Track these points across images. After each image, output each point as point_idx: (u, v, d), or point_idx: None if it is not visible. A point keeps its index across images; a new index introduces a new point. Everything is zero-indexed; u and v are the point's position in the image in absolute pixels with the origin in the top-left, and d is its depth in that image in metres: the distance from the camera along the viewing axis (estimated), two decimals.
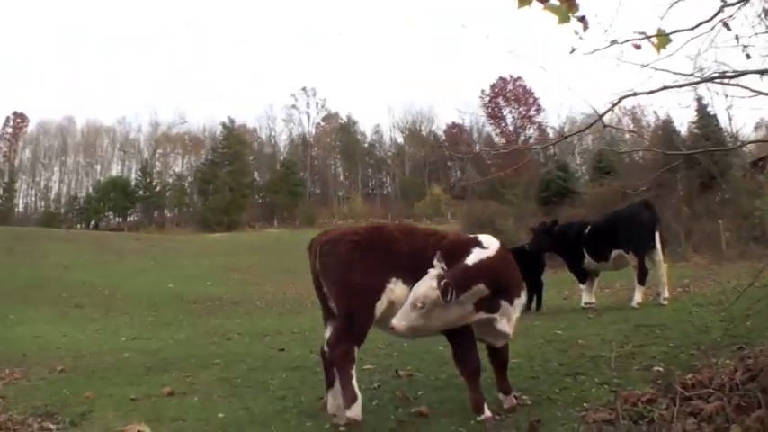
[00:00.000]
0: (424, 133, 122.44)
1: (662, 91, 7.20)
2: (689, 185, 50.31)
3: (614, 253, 17.14)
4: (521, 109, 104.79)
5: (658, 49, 6.29)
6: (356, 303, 8.15)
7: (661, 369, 8.33)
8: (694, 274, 22.80)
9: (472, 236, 8.69)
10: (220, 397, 10.12)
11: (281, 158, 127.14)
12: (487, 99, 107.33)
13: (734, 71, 7.34)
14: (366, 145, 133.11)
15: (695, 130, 62.25)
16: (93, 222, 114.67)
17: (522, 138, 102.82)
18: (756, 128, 76.59)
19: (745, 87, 7.57)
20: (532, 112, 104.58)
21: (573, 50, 6.70)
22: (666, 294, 16.21)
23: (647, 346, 10.36)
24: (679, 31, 6.79)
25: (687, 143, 60.78)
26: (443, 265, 7.66)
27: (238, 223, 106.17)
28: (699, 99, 59.52)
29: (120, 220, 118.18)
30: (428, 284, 7.47)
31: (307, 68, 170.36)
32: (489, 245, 8.21)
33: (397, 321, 7.54)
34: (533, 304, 18.28)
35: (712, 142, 55.72)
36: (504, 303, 8.07)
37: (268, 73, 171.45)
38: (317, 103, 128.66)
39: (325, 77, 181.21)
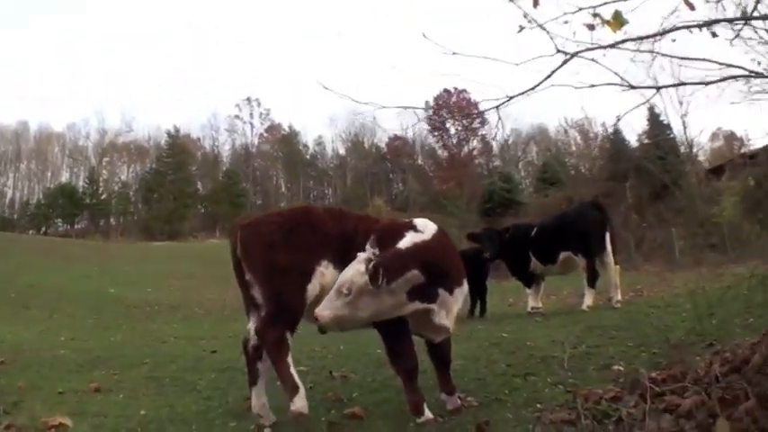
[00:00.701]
0: (366, 145, 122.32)
1: (624, 43, 6.68)
2: (639, 194, 50.46)
3: (562, 255, 16.55)
4: (464, 121, 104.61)
5: (614, 29, 6.22)
6: (283, 286, 7.33)
7: (621, 368, 7.55)
8: (647, 281, 22.39)
9: (407, 220, 7.96)
10: (145, 395, 9.60)
11: (224, 168, 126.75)
12: (431, 111, 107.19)
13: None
14: (308, 156, 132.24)
15: (646, 140, 62.56)
16: (42, 229, 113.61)
17: (466, 150, 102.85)
18: (713, 137, 77.51)
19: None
20: (476, 125, 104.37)
21: (521, 29, 6.69)
22: (619, 297, 15.56)
23: (604, 347, 9.70)
24: None
25: (637, 153, 61.26)
26: (376, 250, 6.92)
27: (180, 233, 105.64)
28: (651, 108, 59.99)
29: (69, 227, 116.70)
30: (356, 269, 6.70)
31: (250, 79, 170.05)
32: (425, 228, 7.45)
33: (321, 310, 6.72)
34: (477, 310, 17.79)
35: (665, 151, 56.07)
36: (442, 292, 7.24)
37: (212, 82, 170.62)
38: (261, 114, 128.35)
39: (268, 87, 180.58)
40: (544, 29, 6.58)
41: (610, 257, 15.77)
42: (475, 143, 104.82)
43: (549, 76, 6.98)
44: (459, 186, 58.54)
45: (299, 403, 7.11)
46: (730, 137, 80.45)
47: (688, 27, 6.63)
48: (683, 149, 61.25)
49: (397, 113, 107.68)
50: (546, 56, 6.80)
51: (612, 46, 6.71)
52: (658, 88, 7.36)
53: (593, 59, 6.76)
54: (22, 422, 7.68)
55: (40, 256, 56.70)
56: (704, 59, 6.98)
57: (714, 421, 4.73)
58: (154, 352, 14.52)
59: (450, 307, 7.41)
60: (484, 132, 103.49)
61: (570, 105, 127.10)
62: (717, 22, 6.72)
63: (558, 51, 6.77)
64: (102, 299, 34.01)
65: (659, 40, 6.99)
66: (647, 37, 6.94)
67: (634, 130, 69.82)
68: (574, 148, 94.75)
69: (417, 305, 7.01)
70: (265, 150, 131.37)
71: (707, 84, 7.02)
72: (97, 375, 11.22)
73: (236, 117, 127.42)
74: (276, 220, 7.74)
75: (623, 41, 6.76)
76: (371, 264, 6.53)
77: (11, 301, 30.44)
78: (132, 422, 7.85)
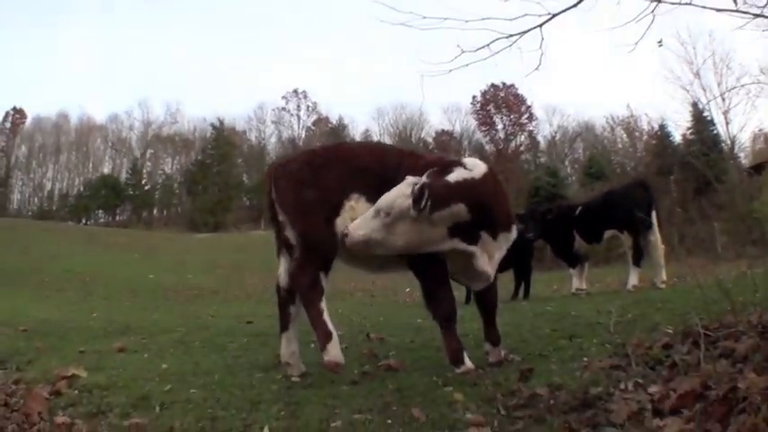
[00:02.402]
0: (413, 139, 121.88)
1: None
2: (683, 190, 50.07)
3: (608, 233, 16.14)
4: (512, 116, 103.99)
5: None
6: (313, 222, 7.09)
7: (670, 331, 7.19)
8: (690, 272, 21.97)
9: (456, 158, 7.50)
10: (172, 355, 9.36)
11: (270, 161, 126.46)
12: (478, 106, 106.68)
13: None
14: None
15: (691, 136, 62.23)
16: (83, 220, 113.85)
17: (513, 145, 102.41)
18: (755, 139, 77.11)
19: None
20: (524, 120, 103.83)
21: None
22: (664, 277, 15.21)
23: (650, 315, 9.24)
24: None
25: (682, 148, 60.98)
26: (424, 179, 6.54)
27: (224, 224, 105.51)
28: (694, 104, 59.65)
29: (110, 218, 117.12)
30: (399, 190, 6.41)
31: (298, 70, 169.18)
32: (474, 167, 6.97)
33: (353, 228, 6.54)
34: (521, 292, 17.23)
35: (708, 147, 55.74)
36: (485, 236, 6.93)
37: (259, 74, 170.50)
38: (308, 106, 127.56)
39: (317, 79, 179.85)
40: None
41: (656, 236, 15.42)
42: (522, 138, 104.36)
43: None
44: (505, 181, 57.99)
45: (333, 352, 6.83)
46: None
47: None
48: (724, 146, 60.98)
49: (444, 110, 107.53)
50: None
51: None
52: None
53: None
54: (33, 375, 7.58)
55: (78, 244, 56.85)
56: None
57: None
58: (187, 323, 14.32)
59: (492, 252, 7.08)
60: (531, 128, 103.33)
61: (617, 102, 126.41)
62: None
63: None
64: (141, 284, 33.87)
65: None
66: None
67: (678, 127, 69.37)
68: (620, 146, 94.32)
69: (457, 243, 6.72)
70: (312, 143, 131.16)
71: None
72: (124, 340, 10.94)
73: (283, 109, 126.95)
74: (307, 158, 7.56)
75: None
76: (418, 186, 6.29)
77: (43, 285, 30.39)
78: (151, 374, 7.70)
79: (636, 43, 7.63)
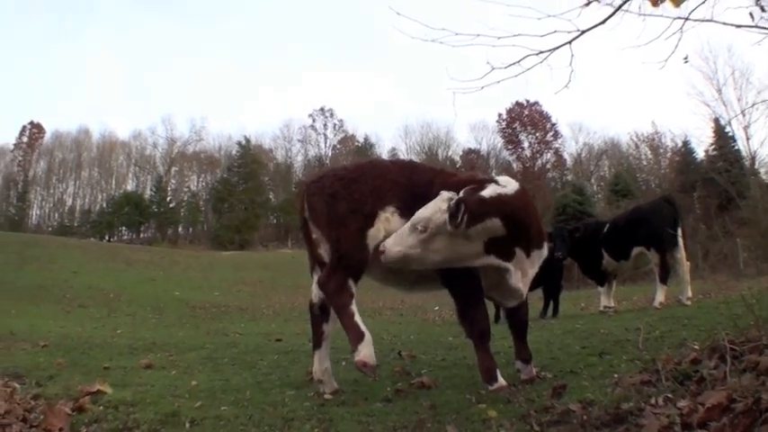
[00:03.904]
0: (440, 158, 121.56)
1: None
2: (706, 206, 49.96)
3: (635, 250, 16.13)
4: (537, 134, 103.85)
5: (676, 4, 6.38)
6: (344, 232, 7.23)
7: (697, 346, 7.30)
8: (714, 288, 21.97)
9: (488, 176, 7.75)
10: (201, 372, 9.52)
11: (297, 179, 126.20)
12: (504, 124, 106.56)
13: None
14: None
15: (713, 152, 62.14)
16: (106, 236, 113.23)
17: (539, 163, 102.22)
18: None
19: None
20: (549, 138, 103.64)
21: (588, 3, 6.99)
22: (689, 294, 15.24)
23: (677, 332, 9.44)
24: None
25: (705, 165, 60.87)
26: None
27: (251, 242, 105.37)
28: (716, 120, 59.56)
29: (134, 235, 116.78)
30: (436, 205, 6.52)
31: (325, 88, 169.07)
32: (508, 183, 7.14)
33: (390, 244, 6.62)
34: (549, 311, 17.31)
35: (730, 162, 55.60)
36: (519, 252, 7.06)
37: (285, 92, 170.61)
38: (335, 125, 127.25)
39: (343, 97, 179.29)
40: None
41: (682, 253, 15.46)
42: (548, 156, 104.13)
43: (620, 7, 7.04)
44: (532, 198, 57.97)
45: (365, 351, 6.81)
46: None
47: None
48: (746, 162, 60.84)
49: (470, 128, 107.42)
50: None
51: None
52: None
53: None
54: (54, 391, 7.54)
55: (101, 260, 56.45)
56: None
57: None
58: (215, 340, 14.48)
59: (526, 269, 7.22)
60: (557, 146, 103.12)
61: (641, 118, 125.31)
62: None
63: None
64: (166, 301, 33.88)
65: None
66: None
67: (701, 143, 69.26)
68: (644, 163, 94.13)
69: (492, 260, 6.84)
70: (339, 161, 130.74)
71: None
72: (151, 356, 11.04)
73: (311, 127, 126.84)
74: (339, 173, 7.67)
75: None
76: (454, 201, 6.39)
77: (66, 301, 30.42)
78: (180, 390, 7.77)
79: (666, 60, 7.76)
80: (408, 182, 7.45)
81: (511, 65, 8.42)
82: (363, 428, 5.80)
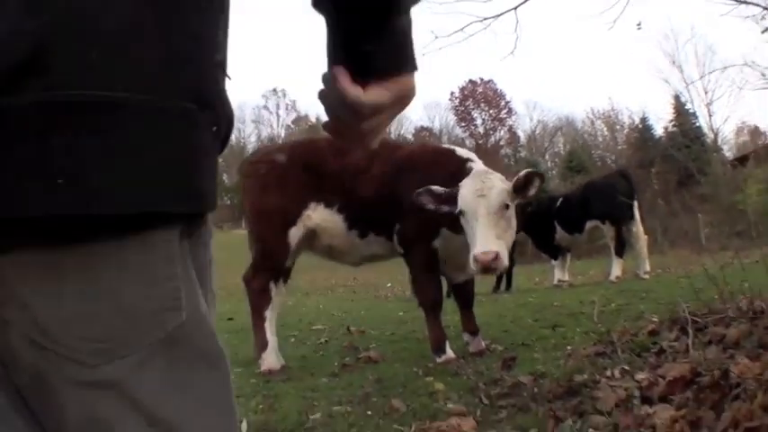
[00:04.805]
0: (393, 135, 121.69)
1: None
2: (665, 182, 50.19)
3: (589, 224, 16.13)
4: (491, 111, 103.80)
5: None
6: (270, 231, 7.39)
7: (656, 319, 7.06)
8: (675, 263, 21.93)
9: (445, 148, 8.03)
10: None
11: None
12: (457, 101, 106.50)
13: None
14: None
15: (673, 128, 62.59)
16: None
17: (492, 141, 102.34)
18: (738, 132, 77.56)
19: None
20: (503, 115, 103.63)
21: None
22: (648, 268, 15.19)
23: (634, 305, 9.24)
24: None
25: (663, 141, 61.30)
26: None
27: None
28: (676, 96, 59.92)
29: None
30: (499, 186, 6.22)
31: (277, 68, 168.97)
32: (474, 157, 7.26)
33: (489, 247, 5.98)
34: (503, 284, 16.95)
35: (690, 139, 55.98)
36: None
37: (239, 73, 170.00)
38: (287, 105, 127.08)
39: (296, 77, 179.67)
40: None
41: (638, 226, 15.41)
42: (502, 133, 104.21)
43: None
44: None
45: (268, 359, 7.05)
46: (755, 131, 79.94)
47: None
48: (708, 139, 61.28)
49: (423, 106, 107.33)
50: None
51: None
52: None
53: None
54: None
55: None
56: None
57: (764, 351, 4.34)
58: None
59: None
60: (511, 123, 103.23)
61: (597, 96, 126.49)
62: None
63: None
64: None
65: None
66: None
67: (660, 120, 69.77)
68: (600, 140, 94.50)
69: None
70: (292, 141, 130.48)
71: None
72: None
73: (264, 108, 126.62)
74: (276, 160, 7.58)
75: None
76: (529, 172, 6.43)
77: None
78: None
79: (614, 21, 7.56)
80: (340, 166, 7.31)
81: (455, 32, 8.19)
82: (308, 404, 5.60)
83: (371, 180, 7.02)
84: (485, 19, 7.92)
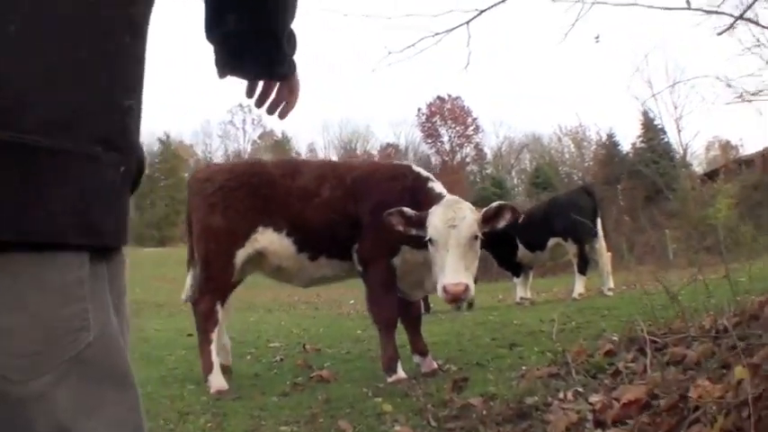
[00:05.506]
0: (359, 152, 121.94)
1: None
2: (632, 198, 50.45)
3: (552, 241, 15.89)
4: (458, 128, 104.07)
5: None
6: (215, 252, 7.36)
7: (615, 338, 6.93)
8: (640, 279, 21.87)
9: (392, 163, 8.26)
10: None
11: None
12: (424, 118, 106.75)
13: None
14: None
15: (641, 144, 63.03)
16: None
17: (459, 158, 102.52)
18: (709, 147, 78.22)
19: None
20: (470, 132, 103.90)
21: None
22: (611, 285, 15.04)
23: (595, 323, 9.19)
24: None
25: (631, 157, 61.70)
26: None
27: (172, 239, 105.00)
28: (645, 112, 60.29)
29: None
30: (468, 218, 6.26)
31: (243, 84, 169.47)
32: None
33: (458, 279, 6.03)
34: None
35: (659, 155, 56.31)
36: None
37: (205, 89, 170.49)
38: (253, 120, 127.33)
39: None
40: None
41: (602, 243, 15.19)
42: (468, 150, 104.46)
43: None
44: (450, 192, 58.04)
45: (215, 381, 7.05)
46: (726, 146, 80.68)
47: None
48: (677, 155, 61.69)
49: (389, 123, 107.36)
50: None
51: None
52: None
53: None
54: None
55: None
56: None
57: (727, 371, 4.11)
58: (130, 336, 14.13)
59: None
60: (478, 140, 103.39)
61: (565, 113, 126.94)
62: None
63: None
64: None
65: None
66: None
67: (627, 137, 70.26)
68: (567, 156, 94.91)
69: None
70: (258, 156, 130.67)
71: None
72: None
73: (230, 123, 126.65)
74: (222, 181, 7.56)
75: None
76: (498, 206, 6.51)
77: None
78: None
79: (565, 34, 7.49)
80: (288, 189, 7.40)
81: (407, 48, 8.13)
82: (255, 423, 5.59)
83: (322, 205, 7.10)
84: (436, 34, 7.84)
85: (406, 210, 6.35)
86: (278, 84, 2.25)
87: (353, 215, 7.08)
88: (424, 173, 7.35)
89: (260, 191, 7.39)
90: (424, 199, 6.68)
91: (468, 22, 7.51)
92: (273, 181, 7.46)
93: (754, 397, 3.13)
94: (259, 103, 2.28)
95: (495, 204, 6.51)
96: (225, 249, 7.25)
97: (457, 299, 6.08)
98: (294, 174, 7.54)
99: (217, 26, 1.98)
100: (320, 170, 7.61)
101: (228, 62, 2.08)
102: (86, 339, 1.25)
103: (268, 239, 7.27)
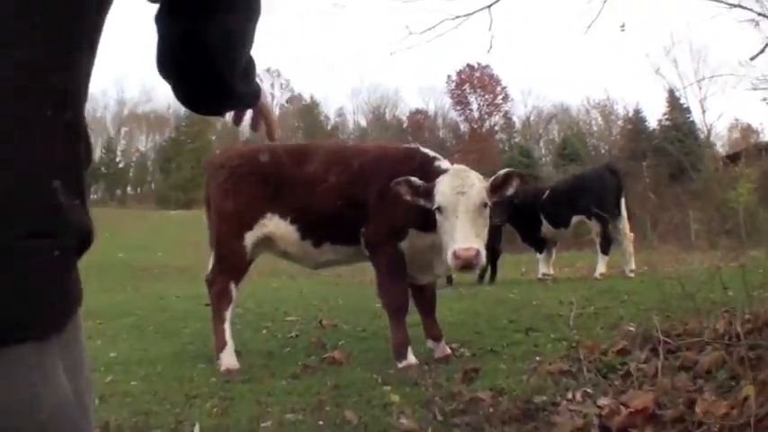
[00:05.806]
0: (388, 117, 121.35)
1: None
2: (657, 175, 50.03)
3: (575, 219, 15.76)
4: (487, 96, 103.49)
5: None
6: (226, 233, 7.59)
7: (632, 328, 6.84)
8: (663, 260, 21.69)
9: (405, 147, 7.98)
10: (124, 341, 9.73)
11: (243, 138, 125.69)
12: (453, 85, 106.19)
13: None
14: (329, 127, 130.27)
15: (666, 122, 62.63)
16: None
17: (487, 126, 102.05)
18: (731, 129, 77.73)
19: None
20: (499, 100, 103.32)
21: None
22: (633, 266, 14.84)
23: (614, 309, 9.07)
24: None
25: (657, 134, 61.40)
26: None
27: (197, 201, 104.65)
28: (671, 91, 59.94)
29: None
30: (477, 186, 6.22)
31: (271, 48, 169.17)
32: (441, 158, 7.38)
33: (469, 244, 5.98)
34: (486, 275, 16.68)
35: (683, 133, 55.98)
36: None
37: None
38: (282, 84, 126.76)
39: (290, 58, 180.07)
40: None
41: (625, 223, 15.06)
42: (497, 118, 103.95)
43: None
44: (478, 160, 57.80)
45: (226, 360, 7.16)
46: (747, 129, 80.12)
47: None
48: (701, 135, 61.33)
49: (418, 89, 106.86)
50: None
51: None
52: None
53: None
54: None
55: None
56: None
57: (737, 383, 4.12)
58: (149, 304, 14.68)
59: None
60: (507, 108, 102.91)
61: (593, 86, 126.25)
62: None
63: None
64: (109, 263, 32.85)
65: None
66: None
67: (654, 113, 69.78)
68: (595, 129, 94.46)
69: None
70: (286, 121, 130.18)
71: None
72: None
73: None
74: (234, 166, 7.73)
75: None
76: (506, 172, 6.50)
77: None
78: (98, 363, 7.73)
79: (588, 26, 7.41)
80: (296, 177, 7.50)
81: (426, 30, 8.09)
82: (261, 410, 5.51)
83: (328, 190, 7.17)
84: (456, 17, 7.77)
85: (414, 179, 6.34)
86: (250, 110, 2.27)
87: (361, 199, 7.08)
88: (432, 153, 7.31)
89: (270, 178, 7.51)
90: (431, 177, 6.55)
91: (489, 6, 7.44)
92: (283, 168, 7.54)
93: (756, 419, 3.06)
94: (236, 123, 2.35)
95: (502, 172, 6.49)
96: (235, 232, 7.40)
97: (468, 264, 5.94)
98: (303, 160, 7.58)
99: (166, 72, 1.98)
100: (328, 156, 7.61)
101: (185, 102, 2.03)
102: (39, 420, 1.21)
103: (275, 225, 7.41)
